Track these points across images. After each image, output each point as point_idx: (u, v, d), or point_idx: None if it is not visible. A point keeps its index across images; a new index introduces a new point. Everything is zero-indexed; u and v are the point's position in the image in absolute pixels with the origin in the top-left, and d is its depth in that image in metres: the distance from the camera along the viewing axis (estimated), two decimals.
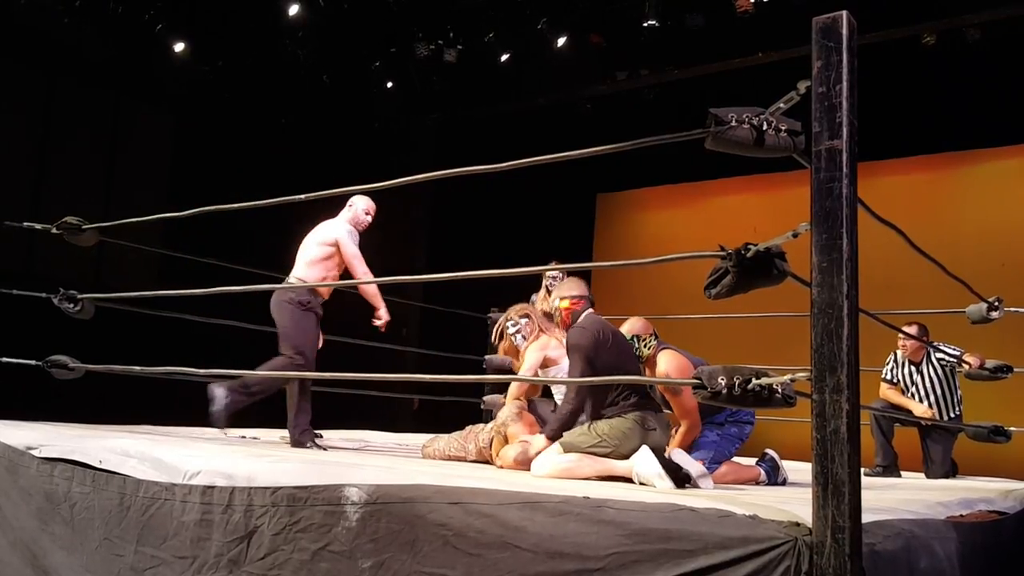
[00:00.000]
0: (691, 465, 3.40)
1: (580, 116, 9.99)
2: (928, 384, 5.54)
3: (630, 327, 4.15)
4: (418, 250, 10.67)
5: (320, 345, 4.95)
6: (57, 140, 8.33)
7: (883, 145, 8.17)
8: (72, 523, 3.21)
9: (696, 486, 3.34)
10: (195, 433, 4.88)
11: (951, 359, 5.36)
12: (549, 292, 6.48)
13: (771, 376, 2.08)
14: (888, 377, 5.72)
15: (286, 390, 4.78)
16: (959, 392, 5.59)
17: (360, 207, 4.95)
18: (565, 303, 3.97)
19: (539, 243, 9.35)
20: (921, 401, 5.55)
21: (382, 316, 4.88)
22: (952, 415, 5.51)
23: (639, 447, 3.49)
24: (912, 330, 5.31)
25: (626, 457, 3.53)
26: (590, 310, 3.98)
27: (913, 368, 5.61)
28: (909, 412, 5.47)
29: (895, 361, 5.71)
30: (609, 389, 3.69)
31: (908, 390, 5.63)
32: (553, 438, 3.80)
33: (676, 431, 4.12)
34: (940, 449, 5.45)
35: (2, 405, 4.34)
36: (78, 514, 3.20)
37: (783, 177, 8.23)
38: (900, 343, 5.59)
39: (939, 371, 5.53)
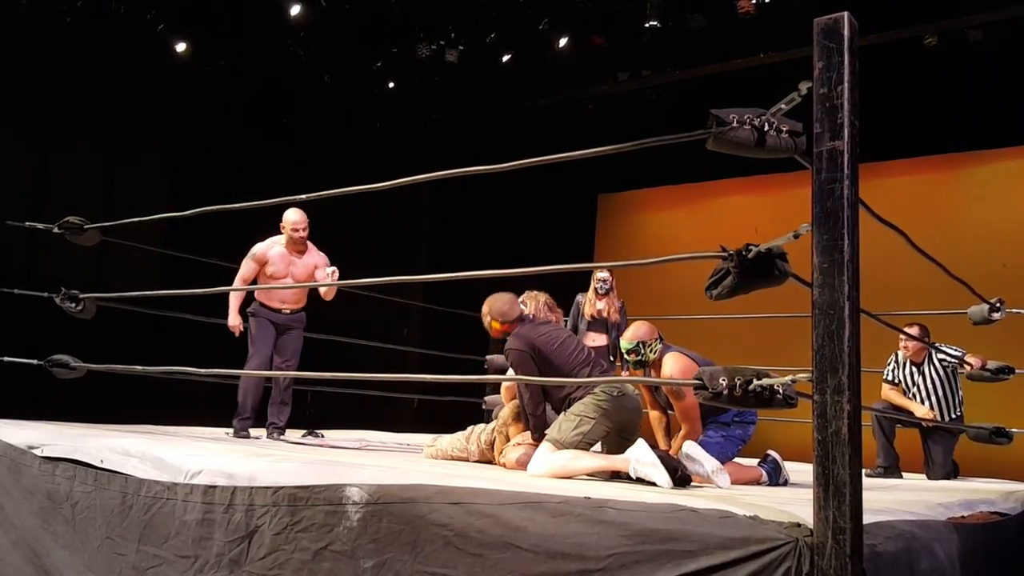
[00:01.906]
0: (706, 460, 3.40)
1: (582, 117, 9.99)
2: (929, 385, 5.54)
3: (634, 333, 4.17)
4: (419, 250, 10.68)
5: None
6: (59, 140, 8.34)
7: (884, 146, 8.16)
8: (74, 522, 3.22)
9: (712, 481, 3.35)
10: (196, 433, 4.89)
11: (952, 360, 5.35)
12: (599, 294, 6.53)
13: (772, 377, 2.08)
14: (889, 378, 5.72)
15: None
16: (960, 393, 5.59)
17: (284, 221, 5.26)
18: (497, 325, 4.07)
19: (540, 243, 9.36)
20: (922, 402, 5.54)
21: (230, 323, 5.26)
22: (953, 416, 5.51)
23: (617, 416, 3.71)
24: (913, 331, 5.30)
25: (611, 429, 3.73)
26: (524, 327, 4.07)
27: (915, 369, 5.61)
28: (910, 413, 5.47)
29: (896, 362, 5.71)
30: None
31: (909, 391, 5.62)
32: (539, 440, 3.90)
33: (677, 435, 4.13)
34: (941, 450, 5.45)
35: (4, 404, 4.35)
36: (80, 513, 3.21)
37: (784, 178, 8.23)
38: (901, 344, 5.58)
39: (940, 372, 5.53)
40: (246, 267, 5.25)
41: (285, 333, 5.30)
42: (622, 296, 6.81)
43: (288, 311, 5.29)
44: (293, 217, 5.24)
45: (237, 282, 5.20)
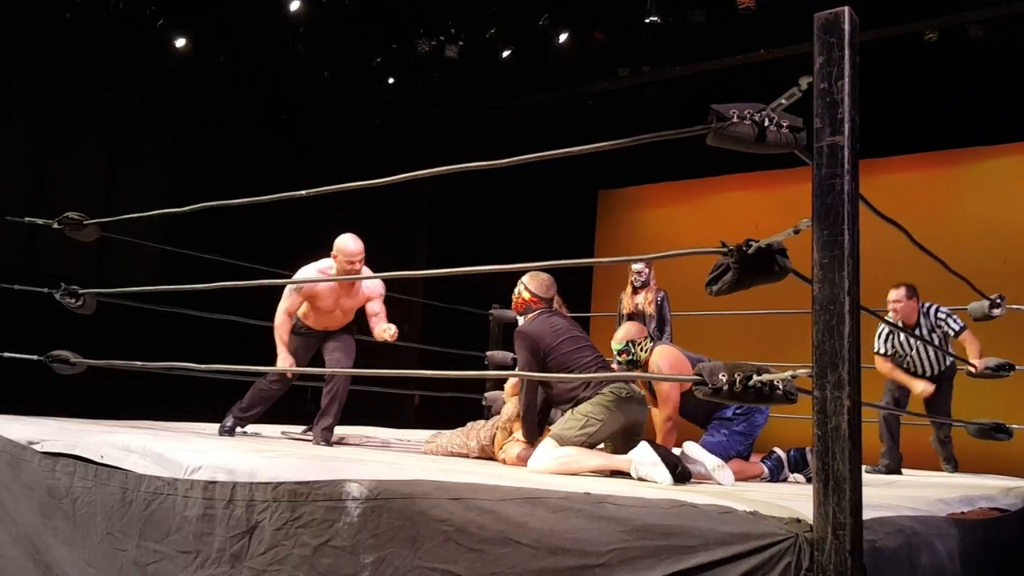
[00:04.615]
0: (706, 458, 3.41)
1: (582, 113, 9.98)
2: (922, 344, 5.38)
3: (624, 334, 4.21)
4: (419, 246, 10.67)
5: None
6: (58, 136, 8.33)
7: (885, 142, 8.16)
8: (74, 518, 3.22)
9: (711, 478, 3.35)
10: (196, 428, 4.88)
11: (951, 328, 5.22)
12: (635, 288, 6.45)
13: (772, 373, 2.08)
14: (882, 351, 5.47)
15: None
16: (951, 347, 5.44)
17: (338, 250, 4.56)
18: (527, 295, 4.09)
19: (540, 239, 9.35)
20: (919, 366, 5.40)
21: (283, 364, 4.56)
22: (946, 364, 5.39)
23: (623, 418, 3.73)
24: (900, 292, 5.22)
25: (616, 431, 3.73)
26: (544, 314, 4.05)
27: (908, 334, 5.44)
28: (908, 392, 5.39)
29: (889, 331, 5.45)
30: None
31: (906, 356, 5.43)
32: (530, 439, 3.94)
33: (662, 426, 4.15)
34: (943, 401, 5.38)
35: (4, 400, 4.35)
36: (80, 509, 3.21)
37: (785, 174, 8.20)
38: (889, 307, 5.34)
39: (932, 328, 5.32)
40: (291, 301, 4.59)
41: (329, 339, 4.77)
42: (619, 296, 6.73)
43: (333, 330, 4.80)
44: (351, 247, 4.48)
45: (281, 316, 4.58)
